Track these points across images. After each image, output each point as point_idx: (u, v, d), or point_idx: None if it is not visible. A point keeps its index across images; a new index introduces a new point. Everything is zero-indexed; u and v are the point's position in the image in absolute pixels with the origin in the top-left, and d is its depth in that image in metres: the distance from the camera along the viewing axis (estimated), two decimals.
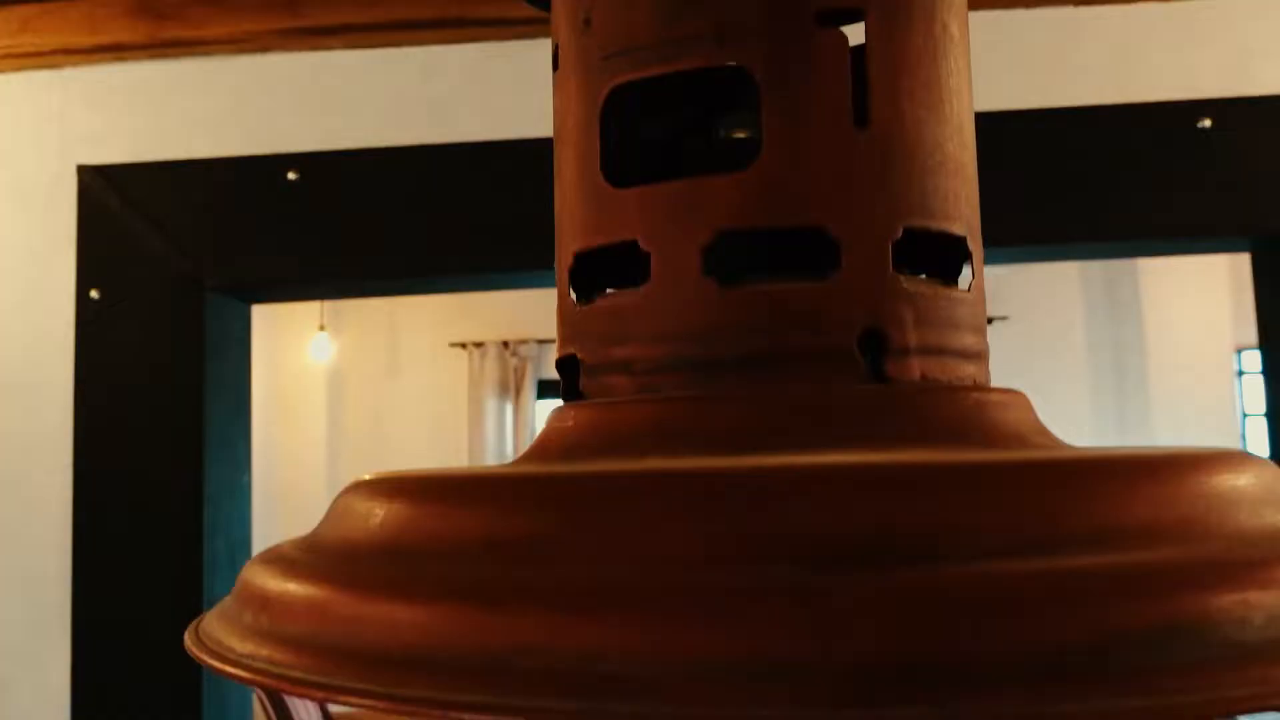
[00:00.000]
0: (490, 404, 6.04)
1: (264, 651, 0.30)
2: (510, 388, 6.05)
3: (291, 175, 2.62)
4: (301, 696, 0.30)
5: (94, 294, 2.62)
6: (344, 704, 0.27)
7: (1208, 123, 1.95)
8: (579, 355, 0.38)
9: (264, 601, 0.31)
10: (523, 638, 0.25)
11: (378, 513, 0.32)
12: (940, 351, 0.36)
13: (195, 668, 2.60)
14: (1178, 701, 0.22)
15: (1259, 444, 5.93)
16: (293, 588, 0.31)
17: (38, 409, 2.67)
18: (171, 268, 2.56)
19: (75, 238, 2.70)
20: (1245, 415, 5.88)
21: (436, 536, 0.30)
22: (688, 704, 0.23)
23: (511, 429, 6.03)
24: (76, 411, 2.66)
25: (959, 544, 0.25)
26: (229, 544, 2.88)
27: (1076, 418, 5.94)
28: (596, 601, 0.25)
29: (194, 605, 2.68)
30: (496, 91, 2.23)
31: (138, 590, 2.67)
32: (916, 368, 0.35)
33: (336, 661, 0.28)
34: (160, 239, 2.62)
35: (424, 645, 0.26)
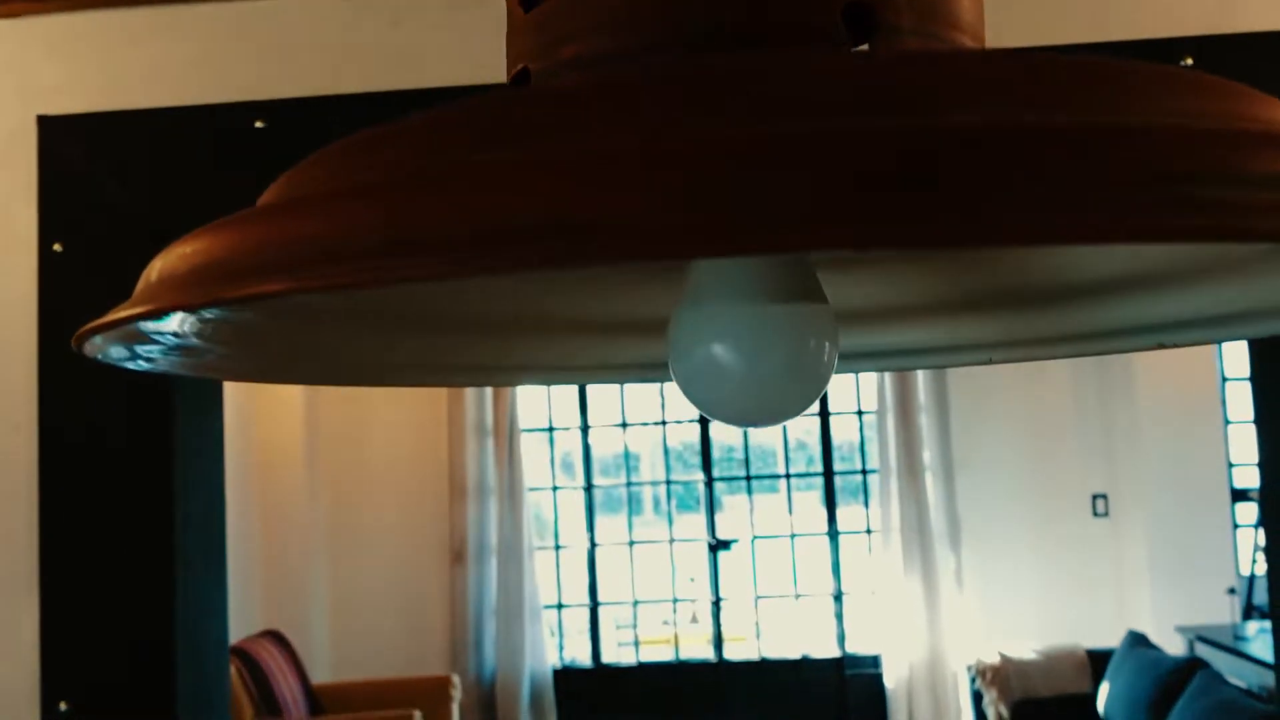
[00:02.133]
0: None
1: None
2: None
3: (259, 124, 2.56)
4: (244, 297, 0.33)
5: (57, 247, 2.55)
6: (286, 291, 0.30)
7: (1189, 61, 1.92)
8: (530, 66, 0.35)
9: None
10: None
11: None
12: (932, 37, 0.32)
13: (169, 624, 2.55)
14: None
15: (1241, 408, 5.94)
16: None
17: (0, 366, 2.60)
18: (136, 220, 2.50)
19: (36, 190, 2.63)
20: (1225, 379, 5.88)
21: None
22: None
23: (491, 403, 5.98)
24: (40, 370, 2.60)
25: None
26: (202, 502, 2.83)
27: (1056, 384, 5.94)
28: None
29: (165, 564, 2.62)
30: (467, 37, 2.17)
31: (105, 548, 2.61)
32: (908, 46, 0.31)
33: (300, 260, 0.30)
34: (124, 190, 2.55)
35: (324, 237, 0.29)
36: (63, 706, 2.62)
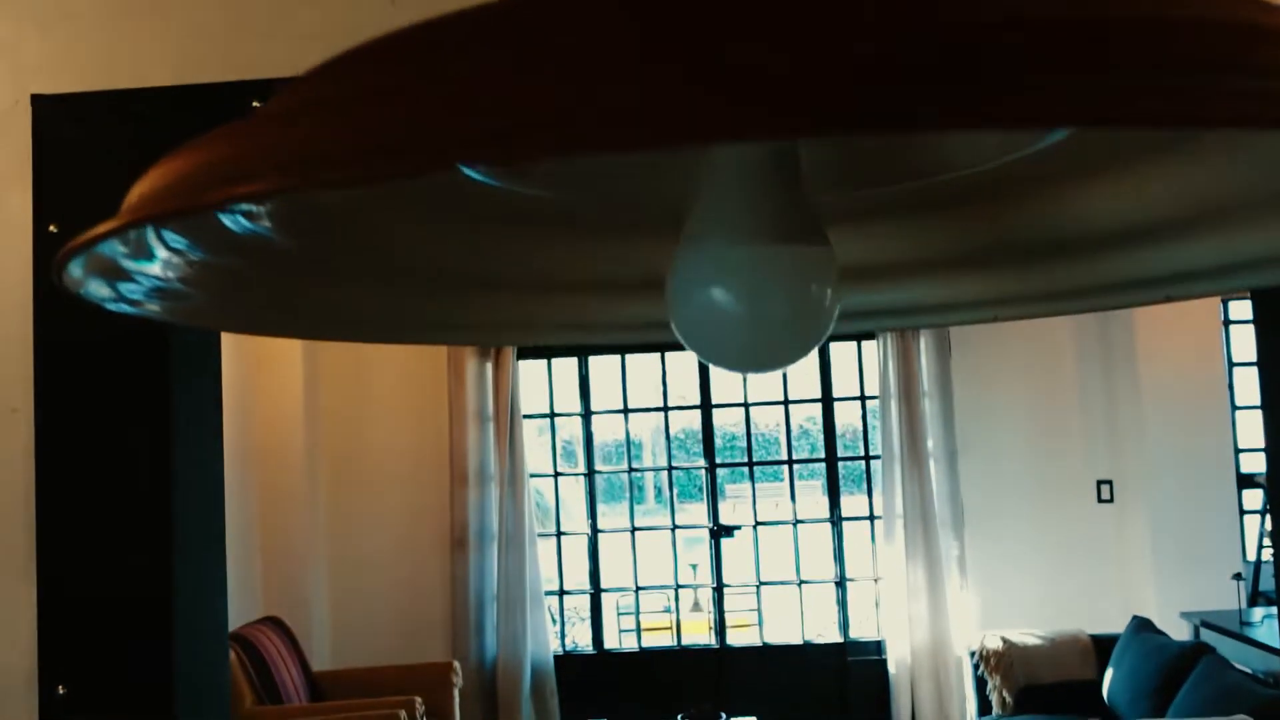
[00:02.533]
0: (471, 364, 5.97)
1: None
2: (490, 348, 5.98)
3: (256, 104, 2.52)
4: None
5: (52, 229, 2.53)
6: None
7: None
8: None
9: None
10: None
11: None
12: None
13: (169, 609, 2.53)
14: None
15: (1248, 393, 5.91)
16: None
17: None
18: None
19: (31, 171, 2.60)
20: (1232, 364, 5.85)
21: None
22: None
23: (492, 390, 5.96)
24: (36, 353, 2.58)
25: None
26: (200, 487, 2.81)
27: (1061, 371, 5.91)
28: None
29: (163, 548, 2.61)
30: None
31: (103, 532, 2.60)
32: None
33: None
34: (120, 170, 2.51)
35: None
36: (60, 690, 2.61)
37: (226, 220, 0.47)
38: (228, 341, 4.87)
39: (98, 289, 0.48)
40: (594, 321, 0.78)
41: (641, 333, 0.77)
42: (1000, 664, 4.79)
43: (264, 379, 5.74)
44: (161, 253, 0.47)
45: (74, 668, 2.56)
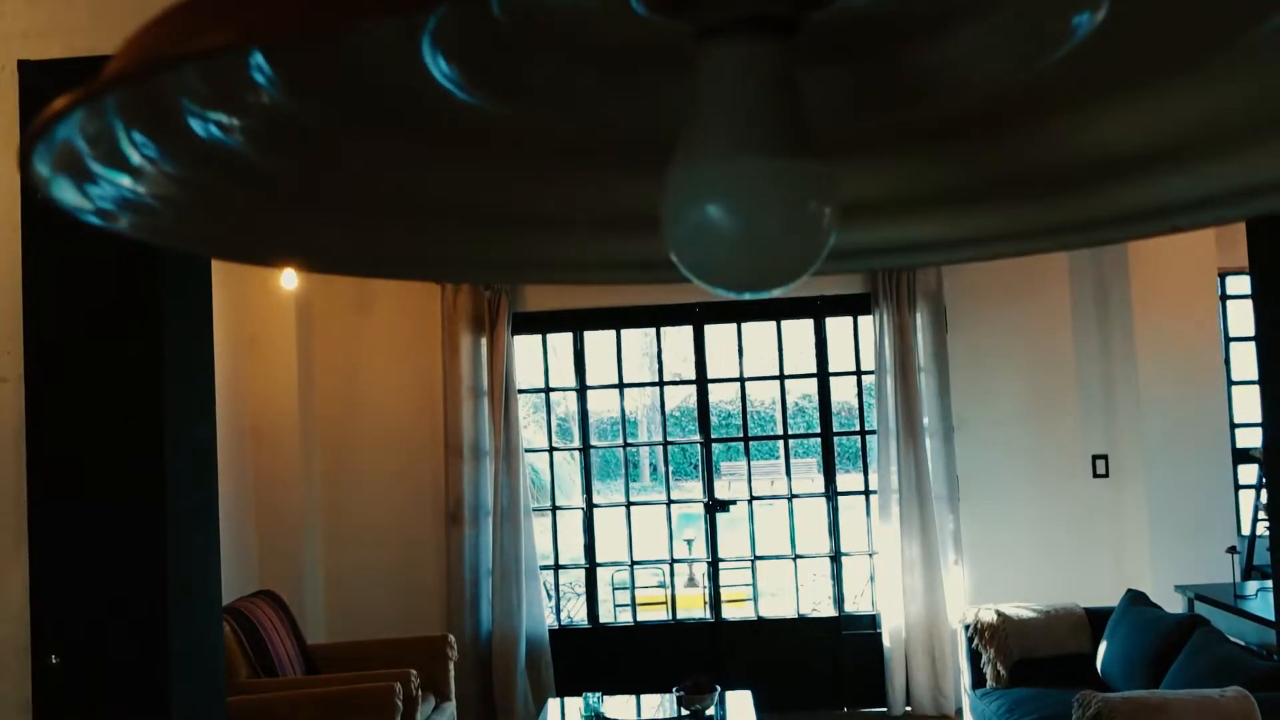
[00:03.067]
0: (465, 339, 5.95)
1: None
2: (485, 322, 5.95)
3: None
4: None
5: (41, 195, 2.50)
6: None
7: None
8: None
9: None
10: None
11: None
12: None
13: (163, 580, 2.51)
14: None
15: (1245, 368, 5.90)
16: None
17: None
18: None
19: (18, 136, 2.57)
20: (1229, 339, 5.85)
21: None
22: None
23: (487, 365, 5.94)
24: (25, 324, 2.55)
25: None
26: (194, 459, 2.79)
27: (1058, 348, 5.90)
28: None
29: (157, 519, 2.59)
30: None
31: (95, 502, 2.58)
32: None
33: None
34: None
35: None
36: (53, 659, 2.60)
37: (195, 125, 0.45)
38: (220, 318, 4.84)
39: (66, 193, 0.46)
40: (584, 260, 0.76)
41: (636, 272, 0.76)
42: (995, 637, 4.80)
43: (257, 356, 5.72)
44: (133, 156, 0.45)
45: (67, 638, 2.55)
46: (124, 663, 2.56)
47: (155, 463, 2.58)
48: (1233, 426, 5.82)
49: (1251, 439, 5.67)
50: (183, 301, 2.70)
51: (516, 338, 6.07)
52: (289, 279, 5.66)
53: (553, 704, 4.79)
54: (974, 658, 4.88)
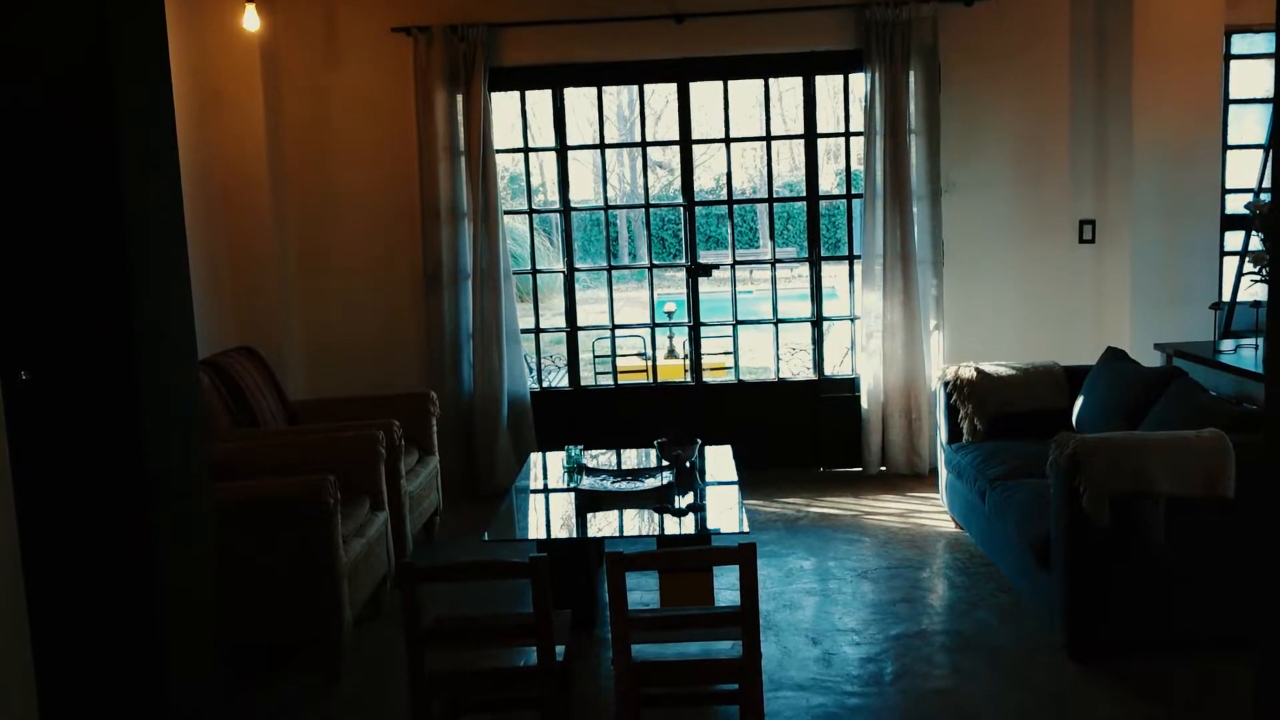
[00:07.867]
0: (440, 95, 5.69)
1: None
2: (460, 77, 5.67)
3: None
4: None
5: None
6: None
7: None
8: None
9: None
10: None
11: None
12: None
13: (129, 331, 2.41)
14: None
15: (1249, 131, 5.75)
16: None
17: None
18: None
19: None
20: (1229, 101, 5.66)
21: None
22: None
23: (464, 122, 5.70)
24: None
25: None
26: (158, 206, 2.65)
27: (1052, 107, 5.71)
28: None
29: (118, 267, 2.48)
30: None
31: (52, 254, 2.48)
32: None
33: None
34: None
35: None
36: (23, 376, 2.53)
37: None
38: (178, 66, 4.57)
39: None
40: None
41: None
42: (973, 393, 4.83)
43: (223, 112, 5.47)
44: None
45: (32, 353, 2.48)
46: (92, 380, 2.51)
47: (116, 217, 2.46)
48: (1224, 192, 5.72)
49: (1242, 205, 5.57)
50: (134, 42, 2.51)
51: (494, 94, 5.82)
52: (250, 19, 5.33)
53: (535, 457, 4.83)
54: (951, 414, 4.92)
